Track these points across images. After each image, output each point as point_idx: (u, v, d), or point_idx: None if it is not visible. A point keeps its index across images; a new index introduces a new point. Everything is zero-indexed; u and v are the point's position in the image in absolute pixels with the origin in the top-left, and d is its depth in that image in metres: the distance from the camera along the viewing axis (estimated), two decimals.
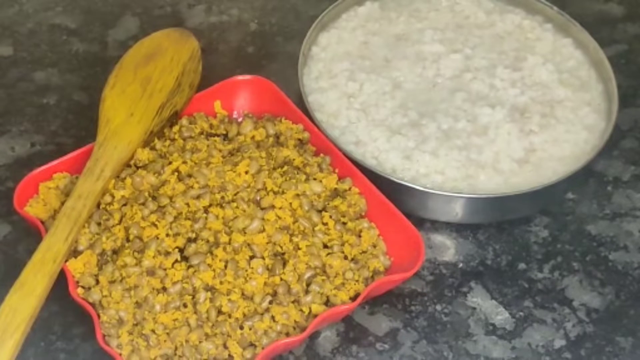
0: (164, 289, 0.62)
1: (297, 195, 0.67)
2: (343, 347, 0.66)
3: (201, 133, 0.72)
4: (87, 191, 0.65)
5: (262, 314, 0.62)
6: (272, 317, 0.62)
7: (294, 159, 0.69)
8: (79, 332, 0.65)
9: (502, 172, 0.71)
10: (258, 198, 0.66)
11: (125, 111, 0.70)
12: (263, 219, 0.65)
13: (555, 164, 0.72)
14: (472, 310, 0.68)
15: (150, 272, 0.62)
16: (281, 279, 0.63)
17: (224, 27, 0.88)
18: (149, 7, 0.89)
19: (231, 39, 0.86)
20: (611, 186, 0.77)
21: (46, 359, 0.64)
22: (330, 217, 0.67)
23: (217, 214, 0.65)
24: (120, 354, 0.60)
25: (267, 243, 0.65)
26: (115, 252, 0.64)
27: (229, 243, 0.64)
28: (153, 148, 0.70)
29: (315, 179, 0.68)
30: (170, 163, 0.68)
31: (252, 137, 0.72)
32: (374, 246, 0.67)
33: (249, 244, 0.64)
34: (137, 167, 0.68)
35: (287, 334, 0.62)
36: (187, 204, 0.65)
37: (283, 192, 0.67)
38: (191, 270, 0.63)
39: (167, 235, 0.64)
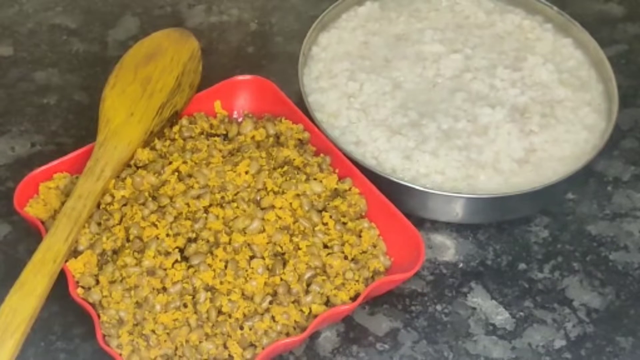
0: (164, 289, 0.62)
1: (298, 195, 0.67)
2: (343, 347, 0.66)
3: (201, 133, 0.72)
4: (88, 191, 0.65)
5: (262, 314, 0.62)
6: (272, 317, 0.62)
7: (294, 159, 0.69)
8: (79, 332, 0.65)
9: (502, 172, 0.71)
10: (258, 198, 0.66)
11: (125, 111, 0.70)
12: (263, 219, 0.65)
13: (555, 164, 0.72)
14: (472, 311, 0.68)
15: (151, 272, 0.62)
16: (281, 279, 0.63)
17: (224, 27, 0.88)
18: (149, 7, 0.89)
19: (231, 39, 0.86)
20: (611, 186, 0.77)
21: (46, 359, 0.64)
22: (331, 217, 0.67)
23: (217, 214, 0.65)
24: (121, 354, 0.60)
25: (268, 243, 0.65)
26: (115, 252, 0.64)
27: (229, 243, 0.64)
28: (153, 148, 0.70)
29: (315, 179, 0.68)
30: (170, 163, 0.68)
31: (252, 137, 0.72)
32: (374, 246, 0.67)
33: (249, 244, 0.64)
34: (137, 167, 0.68)
35: (288, 334, 0.62)
36: (187, 204, 0.65)
37: (283, 192, 0.67)
38: (191, 270, 0.63)
39: (167, 235, 0.64)
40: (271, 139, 0.72)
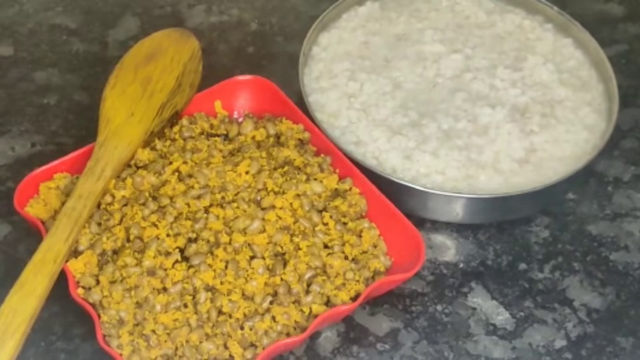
0: (165, 289, 0.62)
1: (298, 195, 0.67)
2: (343, 348, 0.66)
3: (202, 133, 0.72)
4: (88, 191, 0.65)
5: (262, 314, 0.62)
6: (273, 318, 0.62)
7: (294, 159, 0.69)
8: (79, 333, 0.65)
9: (503, 172, 0.71)
10: (258, 198, 0.66)
11: (125, 111, 0.70)
12: (263, 219, 0.65)
13: (555, 164, 0.72)
14: (472, 311, 0.68)
15: (151, 272, 0.62)
16: (282, 279, 0.63)
17: (224, 27, 0.88)
18: (149, 7, 0.89)
19: (231, 39, 0.86)
20: (612, 186, 0.77)
21: (46, 359, 0.64)
22: (331, 217, 0.67)
23: (218, 214, 0.65)
24: (121, 354, 0.60)
25: (268, 243, 0.65)
26: (115, 252, 0.64)
27: (230, 243, 0.64)
28: (153, 148, 0.70)
29: (315, 179, 0.68)
30: (170, 163, 0.68)
31: (253, 137, 0.72)
32: (375, 246, 0.67)
33: (249, 244, 0.64)
34: (138, 167, 0.68)
35: (288, 334, 0.62)
36: (188, 204, 0.65)
37: (283, 192, 0.67)
38: (192, 270, 0.63)
39: (168, 235, 0.64)
40: (271, 139, 0.72)
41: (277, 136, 0.72)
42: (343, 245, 0.66)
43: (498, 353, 0.66)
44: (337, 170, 0.70)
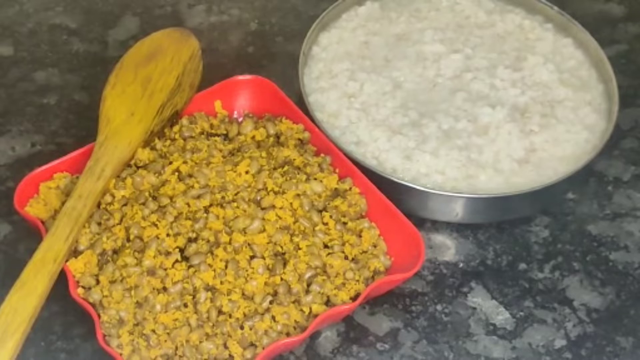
0: (165, 289, 0.62)
1: (298, 195, 0.67)
2: (343, 347, 0.66)
3: (202, 133, 0.72)
4: (88, 191, 0.65)
5: (262, 314, 0.62)
6: (273, 317, 0.62)
7: (294, 159, 0.69)
8: (79, 332, 0.65)
9: (503, 172, 0.71)
10: (258, 198, 0.66)
11: (125, 111, 0.70)
12: (263, 219, 0.65)
13: (555, 163, 0.72)
14: (472, 310, 0.68)
15: (151, 272, 0.62)
16: (282, 279, 0.63)
17: (224, 27, 0.88)
18: (149, 7, 0.89)
19: (231, 38, 0.86)
20: (612, 186, 0.77)
21: (46, 359, 0.64)
22: (331, 217, 0.67)
23: (218, 214, 0.65)
24: (121, 354, 0.60)
25: (268, 243, 0.65)
26: (115, 252, 0.64)
27: (230, 243, 0.64)
28: (153, 148, 0.70)
29: (315, 179, 0.68)
30: (170, 163, 0.68)
31: (253, 137, 0.72)
32: (375, 246, 0.67)
33: (249, 244, 0.64)
34: (138, 167, 0.68)
35: (288, 334, 0.62)
36: (188, 204, 0.65)
37: (283, 192, 0.67)
38: (192, 270, 0.63)
39: (168, 235, 0.64)
40: (271, 139, 0.72)
41: (277, 136, 0.72)
42: (343, 245, 0.66)
43: (498, 353, 0.66)
44: (337, 170, 0.70)
